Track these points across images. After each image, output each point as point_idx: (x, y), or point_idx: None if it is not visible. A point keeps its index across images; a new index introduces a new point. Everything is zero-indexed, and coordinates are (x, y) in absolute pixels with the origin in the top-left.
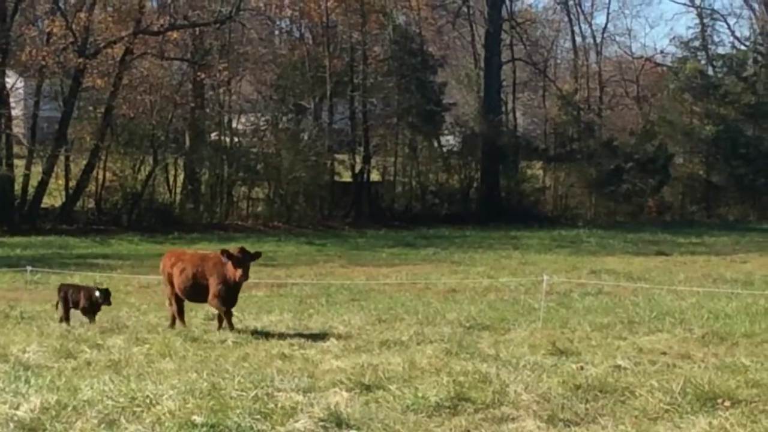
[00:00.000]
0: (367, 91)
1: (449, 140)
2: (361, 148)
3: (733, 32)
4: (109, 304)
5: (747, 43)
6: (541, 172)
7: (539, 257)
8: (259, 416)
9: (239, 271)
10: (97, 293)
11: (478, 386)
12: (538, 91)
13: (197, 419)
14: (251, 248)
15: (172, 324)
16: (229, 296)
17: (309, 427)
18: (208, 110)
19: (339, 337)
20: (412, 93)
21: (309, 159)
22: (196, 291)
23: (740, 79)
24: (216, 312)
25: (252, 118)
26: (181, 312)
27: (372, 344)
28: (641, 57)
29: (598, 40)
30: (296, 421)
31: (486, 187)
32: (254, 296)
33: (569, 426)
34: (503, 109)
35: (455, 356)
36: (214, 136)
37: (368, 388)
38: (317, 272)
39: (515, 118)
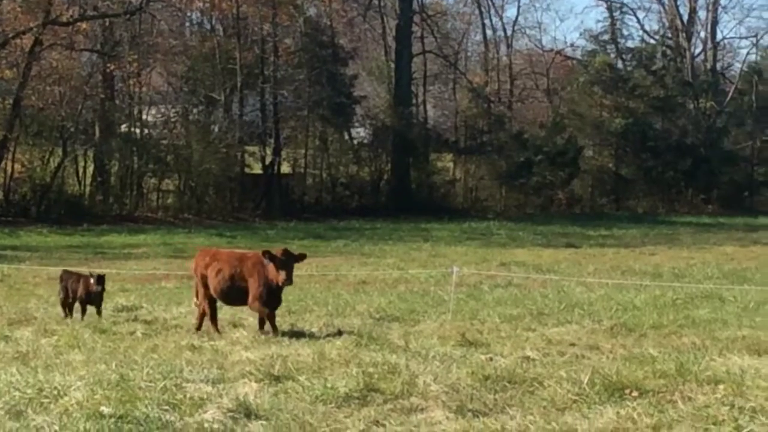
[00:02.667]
0: (277, 84)
1: (360, 133)
2: (272, 141)
3: (642, 26)
4: (103, 289)
5: (656, 37)
6: (451, 164)
7: (449, 249)
8: (167, 407)
9: (282, 275)
10: (92, 279)
11: (387, 377)
12: (449, 84)
13: (105, 410)
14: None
15: (199, 327)
16: (270, 299)
17: (217, 417)
18: (118, 102)
19: (248, 328)
20: (322, 85)
21: (219, 151)
22: (234, 293)
23: (649, 72)
24: (257, 315)
25: (162, 110)
26: (214, 316)
27: (281, 335)
28: (551, 50)
29: (509, 33)
30: (205, 412)
31: (396, 180)
32: (164, 288)
33: (478, 416)
34: (414, 101)
35: (365, 347)
36: (124, 127)
37: (277, 379)
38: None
39: (426, 111)
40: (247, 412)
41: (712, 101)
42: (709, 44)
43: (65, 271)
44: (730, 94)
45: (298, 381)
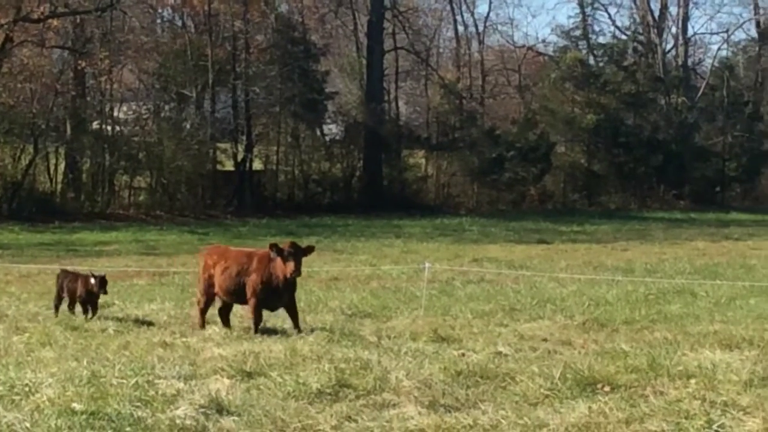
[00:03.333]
0: (249, 80)
1: (332, 129)
2: (244, 137)
3: (613, 21)
4: (105, 292)
5: (627, 33)
6: (423, 160)
7: (421, 246)
8: (139, 403)
9: (290, 265)
10: (92, 280)
11: (359, 373)
12: (421, 80)
13: (77, 407)
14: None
15: (203, 325)
16: (275, 296)
17: (190, 413)
18: (89, 99)
19: (220, 325)
20: (294, 82)
21: (191, 148)
22: (241, 291)
23: (620, 68)
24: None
25: (134, 107)
26: (205, 310)
27: (253, 332)
28: (523, 46)
29: (481, 29)
30: (177, 408)
31: (368, 176)
32: (136, 285)
33: (450, 411)
34: (386, 97)
35: (337, 344)
36: (95, 124)
37: (249, 375)
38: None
39: (398, 107)
40: (219, 408)
41: (684, 97)
42: (681, 40)
43: (63, 271)
44: (702, 90)
45: (270, 377)
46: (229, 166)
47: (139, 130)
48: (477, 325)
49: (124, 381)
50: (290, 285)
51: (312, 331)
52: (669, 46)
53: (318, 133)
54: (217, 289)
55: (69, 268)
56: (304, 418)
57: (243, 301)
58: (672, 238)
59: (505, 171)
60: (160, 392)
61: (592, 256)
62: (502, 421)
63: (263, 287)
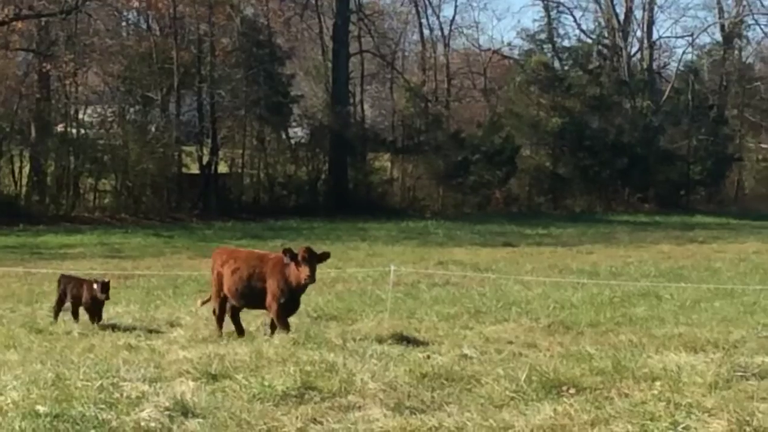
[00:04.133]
0: (214, 83)
1: (297, 132)
2: (209, 140)
3: (579, 25)
4: (108, 298)
5: (592, 36)
6: (389, 164)
7: (387, 249)
8: (104, 406)
9: (305, 271)
10: (95, 285)
11: (324, 375)
12: (386, 83)
13: (41, 409)
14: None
15: (220, 326)
16: (290, 301)
17: (154, 416)
18: (54, 101)
19: (186, 328)
20: (260, 85)
21: (156, 151)
22: (251, 294)
23: (586, 71)
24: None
25: (99, 110)
26: (221, 317)
27: (224, 334)
28: (488, 49)
29: (446, 32)
30: (142, 410)
31: (334, 179)
32: None
33: (415, 414)
34: (351, 101)
35: (302, 346)
36: (60, 127)
37: (215, 378)
38: (164, 264)
39: (363, 110)
40: (184, 410)
41: (649, 100)
42: (646, 43)
43: (64, 276)
44: (667, 93)
45: (235, 380)
46: (195, 169)
47: (104, 133)
48: (442, 328)
49: (89, 383)
50: (302, 291)
51: (277, 333)
52: (634, 50)
53: (283, 136)
54: (225, 290)
55: (71, 273)
56: (269, 420)
57: (252, 304)
58: (637, 241)
59: (470, 174)
60: (124, 394)
61: (558, 259)
62: (468, 423)
63: (281, 292)
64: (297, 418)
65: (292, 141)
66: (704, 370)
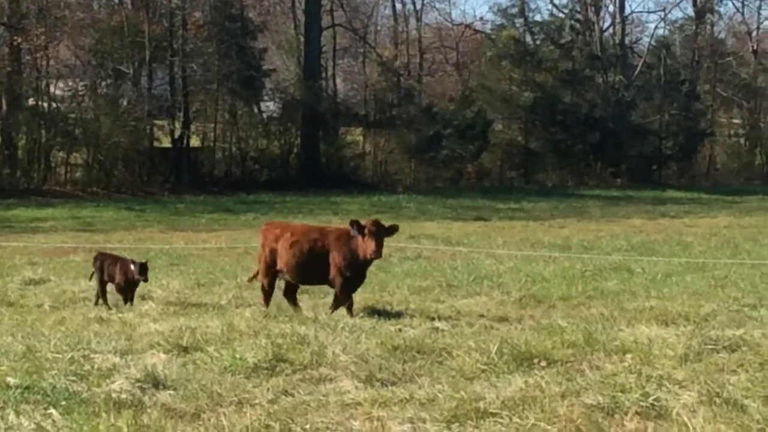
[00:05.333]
0: (186, 57)
1: (269, 106)
2: (181, 114)
3: (551, 0)
4: (146, 280)
5: (564, 11)
6: (361, 138)
7: None
8: (74, 378)
9: (371, 246)
10: (132, 266)
11: (296, 348)
12: (359, 58)
13: (11, 381)
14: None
15: (267, 302)
16: (354, 276)
17: (126, 387)
18: (25, 75)
19: (157, 301)
20: (232, 59)
21: (128, 124)
22: (310, 269)
23: (557, 46)
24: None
25: (70, 83)
26: (270, 293)
27: (190, 308)
28: (461, 24)
29: (418, 6)
30: (113, 383)
31: (306, 153)
32: (72, 261)
33: (386, 386)
34: (323, 75)
35: (274, 319)
36: (31, 101)
37: (186, 350)
38: (136, 237)
39: (335, 85)
40: (155, 382)
41: (621, 75)
42: (618, 18)
43: (100, 253)
44: (639, 68)
45: (206, 352)
46: (166, 142)
47: (76, 107)
48: (414, 301)
49: (60, 356)
50: (367, 266)
51: (249, 306)
52: (606, 25)
53: (255, 110)
54: (281, 265)
55: (106, 251)
56: (240, 392)
57: (310, 280)
58: (609, 215)
59: (442, 148)
60: (95, 367)
61: (529, 233)
62: (439, 395)
63: (346, 266)
64: (268, 390)
65: (264, 115)
66: (675, 343)
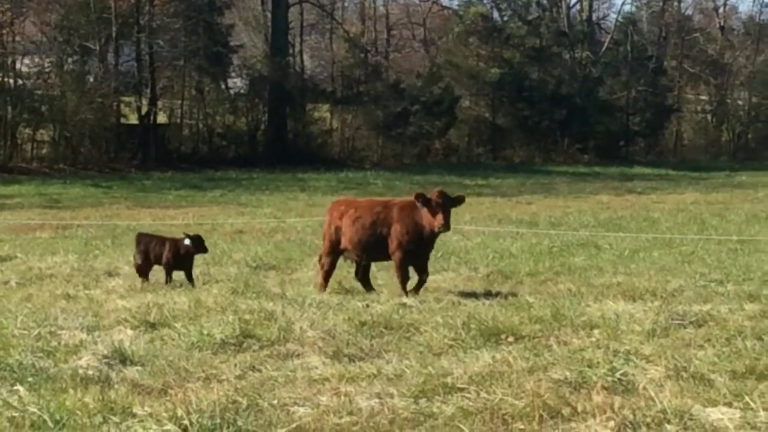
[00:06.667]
0: (153, 33)
1: (236, 83)
2: (148, 91)
3: None
4: (205, 250)
5: None
6: (328, 114)
7: (326, 199)
8: (41, 354)
9: (439, 219)
10: (187, 241)
11: (263, 324)
12: (326, 34)
13: None
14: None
15: (326, 282)
16: (419, 249)
17: (93, 363)
18: None
19: (125, 277)
20: (199, 35)
21: (95, 101)
22: (376, 244)
23: (525, 22)
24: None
25: (36, 60)
26: (329, 273)
27: (158, 284)
28: (428, 0)
29: None
30: (80, 359)
31: (273, 130)
32: (39, 238)
33: (354, 361)
34: (290, 51)
35: (241, 295)
36: None
37: (153, 326)
38: (103, 214)
39: (302, 61)
40: (122, 358)
41: (588, 51)
42: None
43: (141, 234)
44: (606, 45)
45: (174, 328)
46: (133, 119)
47: (42, 83)
48: (381, 277)
49: (26, 332)
50: (433, 240)
51: (217, 282)
52: (573, 1)
53: (222, 86)
54: (346, 243)
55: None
56: (207, 368)
57: (376, 256)
58: (576, 191)
59: (409, 125)
60: (62, 343)
61: (497, 210)
62: (406, 370)
63: (409, 239)
64: (235, 365)
65: (232, 91)
66: (642, 319)
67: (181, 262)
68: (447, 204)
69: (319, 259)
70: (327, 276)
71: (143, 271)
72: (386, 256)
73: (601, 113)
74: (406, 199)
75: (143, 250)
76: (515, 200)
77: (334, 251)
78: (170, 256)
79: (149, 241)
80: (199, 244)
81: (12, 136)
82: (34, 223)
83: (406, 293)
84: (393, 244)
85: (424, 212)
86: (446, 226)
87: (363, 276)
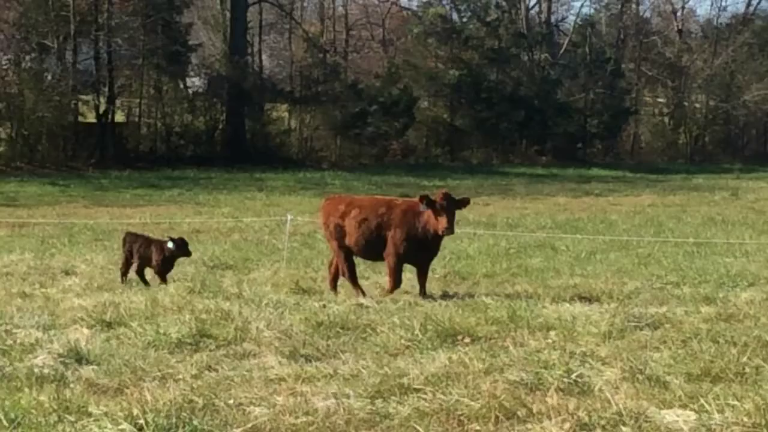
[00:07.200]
0: (111, 31)
1: (195, 82)
2: (106, 89)
3: None
4: (188, 254)
5: None
6: (286, 114)
7: (284, 199)
8: None
9: (443, 222)
10: (170, 244)
11: (220, 323)
12: (285, 34)
13: None
14: None
15: (334, 287)
16: (422, 252)
17: (48, 362)
18: None
19: (81, 276)
20: (157, 33)
21: (52, 99)
22: (380, 246)
23: (483, 23)
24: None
25: None
26: (353, 272)
27: (115, 283)
28: (387, 1)
29: None
30: (35, 357)
31: (231, 129)
32: None
33: (310, 361)
34: (249, 51)
35: (198, 295)
36: None
37: (110, 325)
38: (60, 212)
39: (261, 61)
40: (78, 357)
41: (546, 53)
42: None
43: (129, 234)
44: (564, 47)
45: (130, 327)
46: (91, 118)
47: (0, 81)
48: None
49: None
50: (438, 242)
51: (173, 281)
52: (532, 3)
53: (181, 85)
54: (350, 242)
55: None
56: (163, 367)
57: (375, 256)
58: (534, 193)
59: (367, 125)
60: (18, 341)
61: None
62: (363, 370)
63: (407, 244)
64: (192, 365)
65: (190, 90)
66: (599, 320)
67: (166, 264)
68: (451, 206)
69: (331, 266)
70: (352, 275)
71: (124, 270)
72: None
73: (559, 115)
74: (409, 200)
75: (129, 250)
76: (473, 201)
77: (344, 247)
78: (158, 259)
79: (134, 240)
80: (181, 247)
81: None
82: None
83: (391, 293)
84: (390, 247)
85: (428, 214)
86: (450, 229)
87: (351, 270)
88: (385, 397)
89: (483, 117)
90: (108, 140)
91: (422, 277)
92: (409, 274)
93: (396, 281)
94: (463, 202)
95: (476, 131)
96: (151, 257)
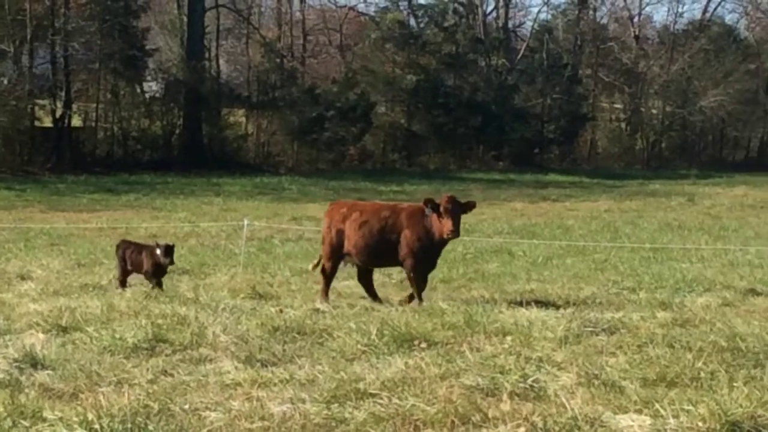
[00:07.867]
0: (68, 36)
1: (152, 86)
2: (63, 94)
3: None
4: (172, 262)
5: None
6: (243, 119)
7: (241, 204)
8: None
9: (448, 225)
10: (158, 250)
11: (176, 328)
12: (242, 39)
13: None
14: None
15: (327, 287)
16: (428, 258)
17: (3, 367)
18: None
19: (37, 281)
20: (114, 38)
21: (8, 104)
22: (383, 251)
23: (441, 29)
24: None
25: None
26: (330, 280)
27: (71, 288)
28: (344, 6)
29: None
30: None
31: (188, 134)
32: None
33: (267, 366)
34: (206, 55)
35: (154, 300)
36: None
37: (65, 330)
38: (16, 217)
39: (218, 65)
40: (33, 362)
41: (504, 59)
42: (501, 2)
43: (124, 242)
44: (522, 52)
45: (86, 332)
46: (48, 122)
47: None
48: (295, 283)
49: None
50: (442, 246)
51: (129, 287)
52: (490, 8)
53: (138, 90)
54: (350, 248)
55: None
56: (119, 372)
57: (382, 262)
58: (491, 198)
59: (324, 130)
60: None
61: None
62: (319, 375)
63: (420, 246)
64: (148, 370)
65: (147, 95)
66: (555, 326)
67: (158, 271)
68: (456, 210)
69: (312, 267)
70: (328, 282)
71: (122, 278)
72: (391, 263)
73: (516, 120)
74: (414, 204)
75: (123, 257)
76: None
77: (336, 255)
78: (150, 265)
79: (127, 247)
80: (168, 254)
81: None
82: None
83: (421, 300)
84: (405, 251)
85: (433, 218)
86: (456, 232)
87: (367, 283)
88: (341, 402)
89: (440, 122)
90: (64, 145)
91: (421, 285)
92: (382, 278)
93: (419, 283)
94: (469, 206)
95: (433, 136)
96: (143, 264)
